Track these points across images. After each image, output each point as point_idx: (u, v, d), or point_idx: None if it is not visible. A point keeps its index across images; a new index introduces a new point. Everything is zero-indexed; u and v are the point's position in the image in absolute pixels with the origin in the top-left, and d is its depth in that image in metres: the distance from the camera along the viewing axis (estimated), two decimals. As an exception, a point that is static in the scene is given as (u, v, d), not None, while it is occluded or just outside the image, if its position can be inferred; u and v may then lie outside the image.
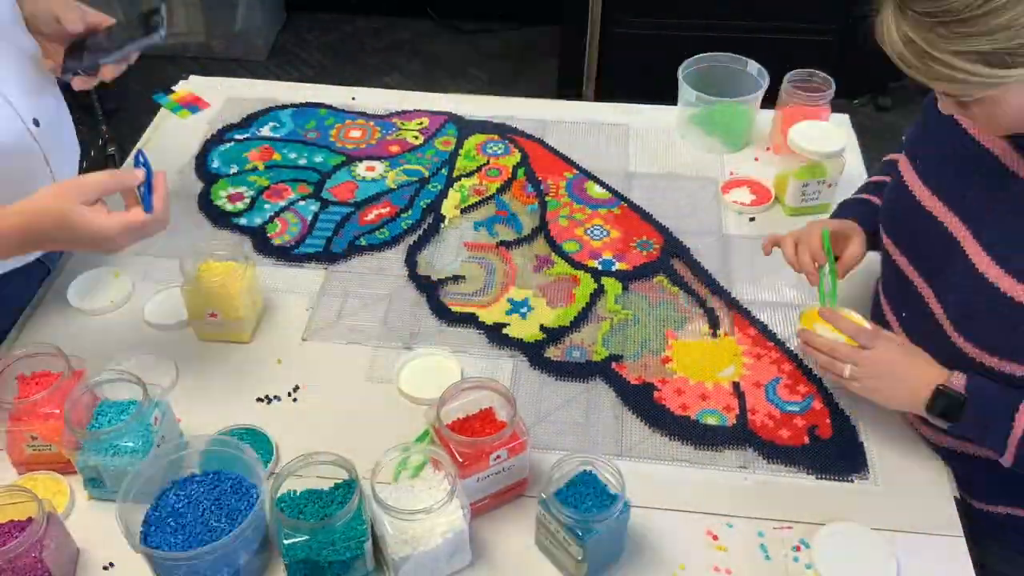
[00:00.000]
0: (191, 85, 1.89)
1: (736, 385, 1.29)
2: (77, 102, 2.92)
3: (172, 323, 1.37)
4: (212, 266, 1.31)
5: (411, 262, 1.48)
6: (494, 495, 1.11)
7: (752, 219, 1.55)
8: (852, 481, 1.17)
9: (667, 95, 1.72)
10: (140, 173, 1.08)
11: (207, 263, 1.31)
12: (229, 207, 1.59)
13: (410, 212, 1.58)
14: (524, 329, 1.37)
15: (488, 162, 1.69)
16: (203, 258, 1.31)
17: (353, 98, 1.85)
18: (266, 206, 1.59)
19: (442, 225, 1.56)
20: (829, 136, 1.51)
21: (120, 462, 1.06)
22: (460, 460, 1.04)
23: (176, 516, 1.02)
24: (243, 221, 1.56)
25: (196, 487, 1.05)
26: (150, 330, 1.36)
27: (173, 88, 1.88)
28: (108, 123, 3.07)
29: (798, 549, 1.10)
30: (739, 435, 1.22)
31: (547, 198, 1.61)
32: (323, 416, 1.25)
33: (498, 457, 1.06)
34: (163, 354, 1.32)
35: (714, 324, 1.38)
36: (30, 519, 1.02)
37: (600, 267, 1.47)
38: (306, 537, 0.97)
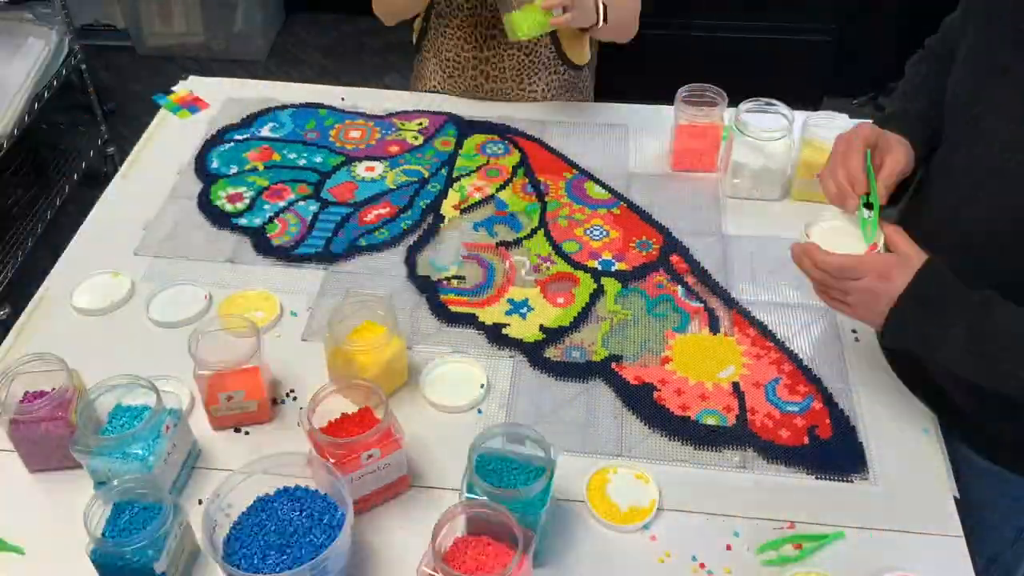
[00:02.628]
0: (191, 85, 1.89)
1: (736, 385, 1.29)
2: (77, 102, 2.94)
3: (175, 320, 1.37)
4: (366, 329, 1.24)
5: (411, 262, 1.48)
6: (375, 493, 1.12)
7: None
8: (852, 481, 1.17)
9: (667, 95, 1.72)
10: None
11: (364, 325, 1.25)
12: (228, 207, 1.59)
13: (410, 212, 1.58)
14: (524, 329, 1.37)
15: (488, 162, 1.69)
16: (360, 319, 1.25)
17: (343, 99, 1.85)
18: (266, 206, 1.59)
19: (441, 225, 1.56)
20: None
21: (128, 468, 1.06)
22: (332, 460, 1.05)
23: (256, 533, 1.03)
24: (243, 221, 1.56)
25: (274, 504, 1.06)
26: (150, 330, 1.36)
27: (173, 88, 1.88)
28: (107, 123, 3.07)
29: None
30: (739, 435, 1.22)
31: (546, 198, 1.61)
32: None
33: (370, 456, 1.07)
34: (164, 354, 1.31)
35: (714, 324, 1.38)
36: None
37: (600, 267, 1.47)
38: (486, 498, 1.01)
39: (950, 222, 1.14)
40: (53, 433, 1.11)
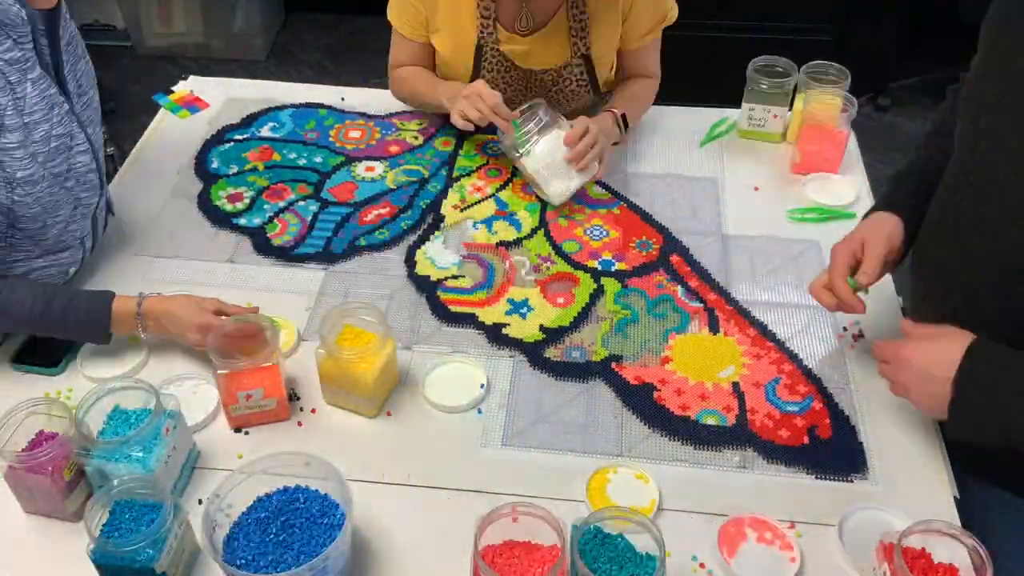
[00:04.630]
0: (190, 85, 1.89)
1: (736, 385, 1.29)
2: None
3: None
4: (351, 333, 1.23)
5: (410, 262, 1.48)
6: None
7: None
8: (852, 481, 1.17)
9: (666, 95, 1.72)
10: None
11: (348, 329, 1.24)
12: (228, 207, 1.59)
13: (409, 212, 1.58)
14: (524, 329, 1.37)
15: (488, 162, 1.69)
16: (343, 323, 1.24)
17: (343, 98, 1.85)
18: (266, 206, 1.59)
19: (442, 225, 1.56)
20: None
21: (128, 470, 1.05)
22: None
23: (256, 533, 1.02)
24: (243, 221, 1.56)
25: (273, 503, 1.06)
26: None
27: (173, 88, 1.88)
28: (107, 123, 3.07)
29: (790, 549, 1.10)
30: (739, 435, 1.22)
31: (547, 198, 1.60)
32: (321, 417, 1.25)
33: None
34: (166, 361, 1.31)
35: (714, 324, 1.38)
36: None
37: (600, 267, 1.47)
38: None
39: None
40: (42, 486, 1.08)
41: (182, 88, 1.88)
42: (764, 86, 1.64)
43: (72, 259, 1.38)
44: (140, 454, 1.06)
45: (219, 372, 1.17)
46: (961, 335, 1.05)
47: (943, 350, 1.05)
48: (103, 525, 1.03)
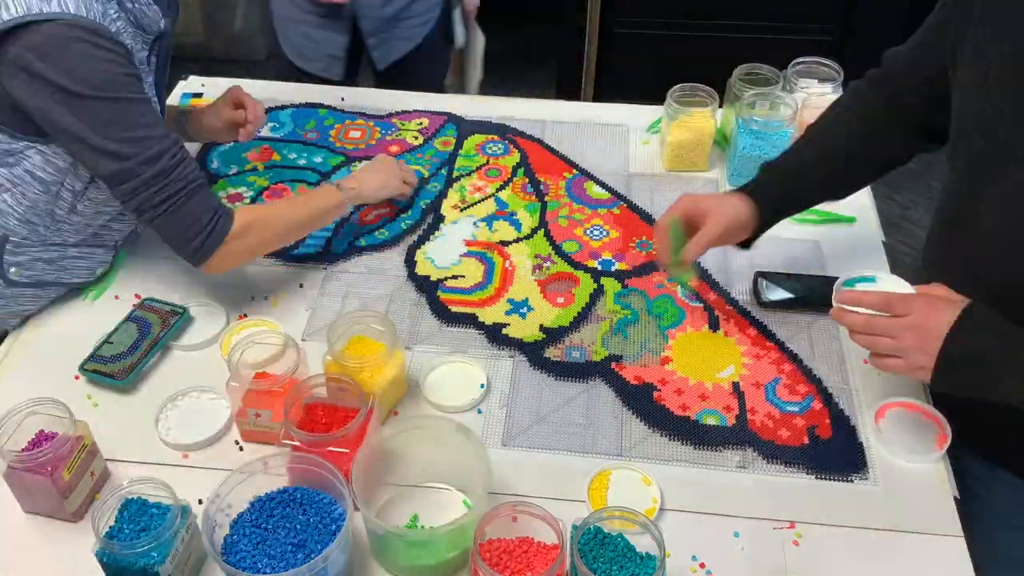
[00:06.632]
0: (191, 85, 1.89)
1: (736, 385, 1.29)
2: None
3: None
4: (360, 343, 1.23)
5: (410, 262, 1.48)
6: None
7: None
8: (852, 481, 1.17)
9: (666, 95, 1.71)
10: None
11: (357, 338, 1.23)
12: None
13: (409, 212, 1.58)
14: (524, 329, 1.37)
15: (488, 162, 1.69)
16: (352, 332, 1.23)
17: (343, 98, 1.85)
18: (266, 206, 1.59)
19: (442, 225, 1.56)
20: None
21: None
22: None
23: (257, 534, 1.02)
24: (243, 221, 1.56)
25: (273, 504, 1.05)
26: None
27: (200, 93, 1.86)
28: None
29: (795, 543, 1.10)
30: (739, 435, 1.22)
31: (546, 198, 1.61)
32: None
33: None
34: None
35: (714, 323, 1.38)
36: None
37: (600, 267, 1.47)
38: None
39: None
40: (42, 486, 1.07)
41: (206, 98, 1.85)
42: (748, 94, 1.62)
43: (102, 260, 1.41)
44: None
45: (232, 384, 1.16)
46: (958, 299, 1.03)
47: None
48: (110, 525, 1.02)
